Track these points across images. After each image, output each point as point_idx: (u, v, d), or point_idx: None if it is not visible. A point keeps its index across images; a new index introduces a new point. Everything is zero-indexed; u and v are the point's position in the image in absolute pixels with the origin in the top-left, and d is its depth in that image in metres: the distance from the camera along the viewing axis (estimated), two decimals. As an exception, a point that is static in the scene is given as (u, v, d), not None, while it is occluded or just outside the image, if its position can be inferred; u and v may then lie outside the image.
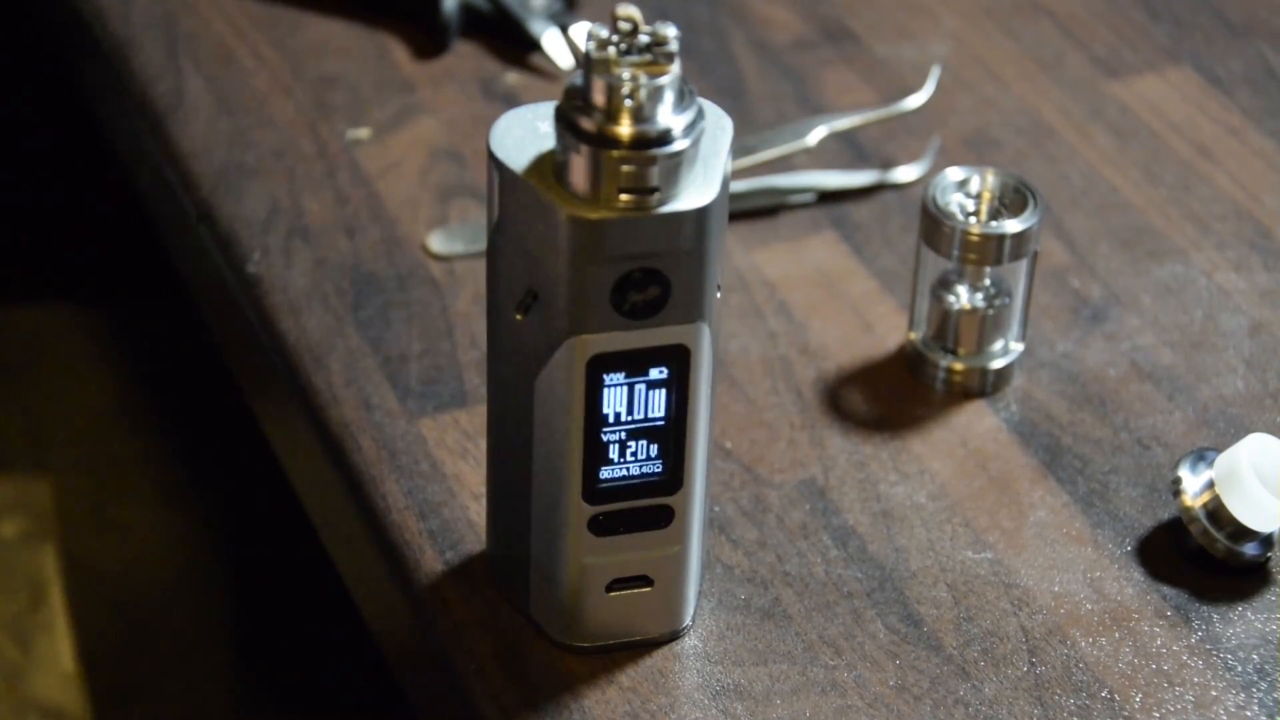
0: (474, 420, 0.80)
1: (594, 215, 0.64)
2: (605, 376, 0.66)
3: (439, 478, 0.78)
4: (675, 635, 0.73)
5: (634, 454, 0.68)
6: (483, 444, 0.79)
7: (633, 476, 0.69)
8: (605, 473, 0.68)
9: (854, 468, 0.79)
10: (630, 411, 0.67)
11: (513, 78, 0.98)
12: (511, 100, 0.96)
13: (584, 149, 0.63)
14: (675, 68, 0.63)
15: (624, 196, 0.64)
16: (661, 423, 0.68)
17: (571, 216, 0.64)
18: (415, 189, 0.91)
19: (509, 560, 0.73)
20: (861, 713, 0.71)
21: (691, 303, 0.66)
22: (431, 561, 0.75)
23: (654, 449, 0.68)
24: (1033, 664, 0.72)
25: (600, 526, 0.69)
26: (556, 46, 0.98)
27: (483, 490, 0.77)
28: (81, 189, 1.30)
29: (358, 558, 0.81)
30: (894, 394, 0.83)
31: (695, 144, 0.64)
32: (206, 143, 0.93)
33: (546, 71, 0.98)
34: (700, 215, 0.64)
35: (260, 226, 0.89)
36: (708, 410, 0.69)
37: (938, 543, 0.76)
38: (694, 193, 0.64)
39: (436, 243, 0.88)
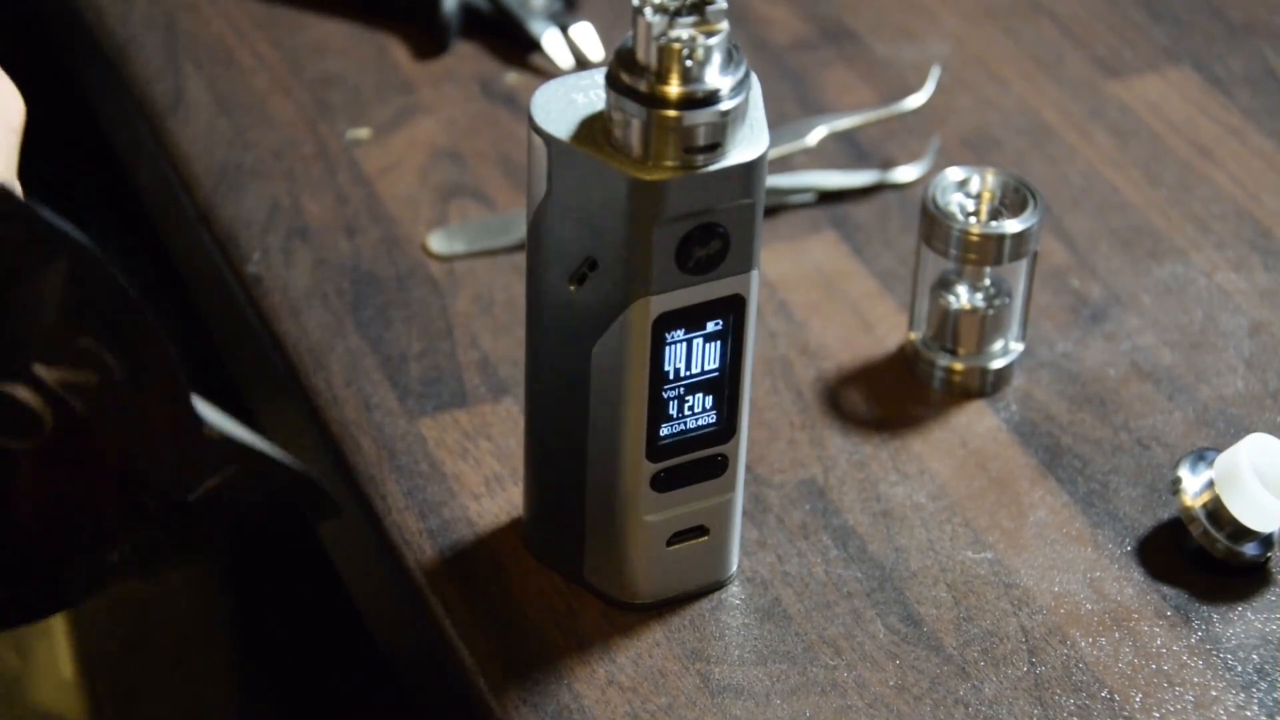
0: (474, 420, 0.80)
1: (658, 176, 0.65)
2: (667, 335, 0.68)
3: (439, 478, 0.78)
4: (724, 583, 0.74)
5: (691, 407, 0.70)
6: (483, 444, 0.79)
7: (690, 430, 0.70)
8: (665, 429, 0.70)
9: (854, 468, 0.79)
10: (689, 366, 0.69)
11: (513, 78, 0.98)
12: (511, 100, 0.97)
13: (645, 112, 0.64)
14: (725, 25, 0.64)
15: (687, 155, 0.65)
16: (716, 373, 0.70)
17: (636, 180, 0.65)
18: (415, 189, 0.91)
19: (556, 530, 0.74)
20: (861, 713, 0.71)
21: (748, 253, 0.68)
22: (431, 561, 0.75)
23: (709, 400, 0.70)
24: (1033, 664, 0.72)
25: (661, 483, 0.71)
26: (556, 46, 0.99)
27: (483, 490, 0.77)
28: (81, 189, 1.30)
29: (358, 558, 0.82)
30: (894, 394, 0.83)
31: (747, 98, 0.65)
32: (206, 143, 0.93)
33: (546, 71, 0.98)
34: (755, 166, 0.66)
35: (260, 226, 0.89)
36: (753, 354, 0.71)
37: (938, 543, 0.76)
38: (746, 145, 0.66)
39: (436, 243, 0.88)
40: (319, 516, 0.62)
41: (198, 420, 0.58)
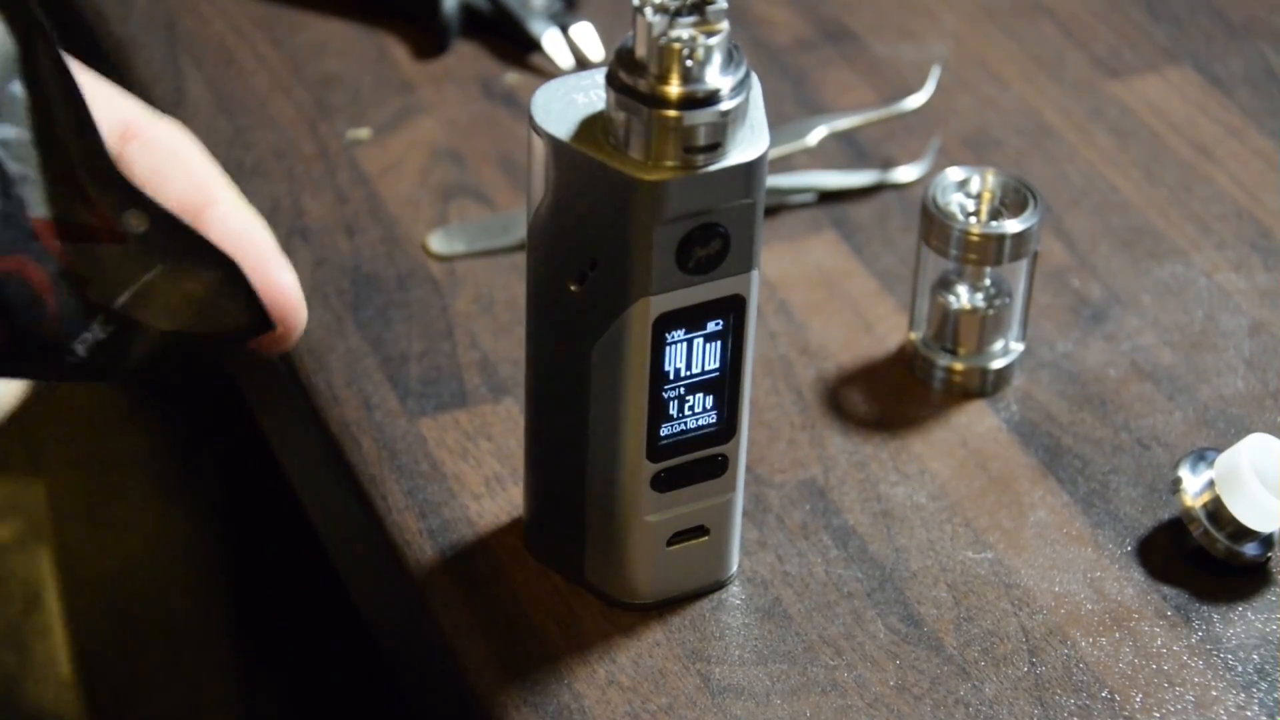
0: (474, 420, 0.80)
1: (659, 176, 0.65)
2: (667, 335, 0.68)
3: (439, 478, 0.78)
4: (724, 583, 0.74)
5: (691, 408, 0.70)
6: (483, 444, 0.79)
7: (690, 430, 0.70)
8: (665, 429, 0.70)
9: (854, 468, 0.79)
10: (689, 366, 0.69)
11: (513, 78, 0.98)
12: (511, 100, 0.96)
13: (645, 112, 0.64)
14: (725, 25, 0.64)
15: (687, 155, 0.65)
16: (717, 373, 0.70)
17: (636, 180, 0.65)
18: (415, 189, 0.91)
19: (557, 530, 0.74)
20: (861, 713, 0.71)
21: (748, 253, 0.67)
22: (431, 561, 0.75)
23: (709, 400, 0.70)
24: (1033, 664, 0.72)
25: (662, 483, 0.71)
26: (556, 46, 0.99)
27: (483, 490, 0.77)
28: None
29: (358, 558, 0.82)
30: (894, 394, 0.83)
31: (747, 98, 0.65)
32: (206, 143, 0.92)
33: (546, 71, 0.98)
34: (756, 166, 0.66)
35: (260, 226, 0.89)
36: (753, 354, 0.71)
37: (938, 543, 0.76)
38: (746, 145, 0.66)
39: (436, 243, 0.88)
40: (254, 330, 0.59)
41: (123, 209, 0.55)
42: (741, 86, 0.65)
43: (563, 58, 0.98)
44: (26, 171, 0.54)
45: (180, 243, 0.56)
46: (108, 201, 0.55)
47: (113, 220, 0.56)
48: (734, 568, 0.75)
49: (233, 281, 0.58)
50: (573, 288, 0.68)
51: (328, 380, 0.82)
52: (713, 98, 0.65)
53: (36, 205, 0.55)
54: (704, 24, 0.64)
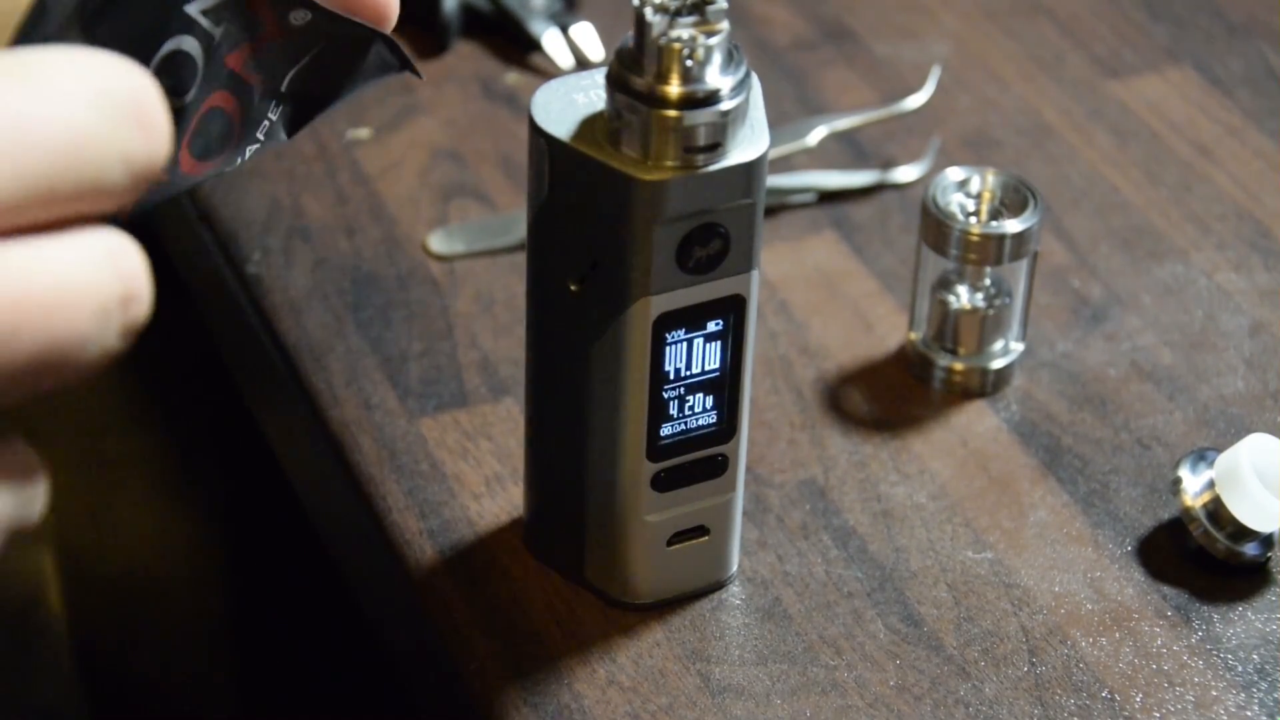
0: (474, 420, 0.80)
1: (658, 176, 0.65)
2: (667, 335, 0.68)
3: (439, 478, 0.78)
4: (724, 583, 0.74)
5: (691, 408, 0.70)
6: (483, 444, 0.79)
7: (691, 430, 0.70)
8: (665, 429, 0.70)
9: (854, 468, 0.79)
10: (689, 366, 0.69)
11: (513, 78, 0.98)
12: (511, 100, 0.97)
13: (646, 112, 0.64)
14: (725, 25, 0.64)
15: (687, 155, 0.65)
16: (717, 373, 0.70)
17: (636, 180, 0.65)
18: (415, 189, 0.91)
19: (557, 530, 0.74)
20: (861, 713, 0.71)
21: (748, 253, 0.67)
22: (432, 561, 0.75)
23: (709, 400, 0.70)
24: (1033, 664, 0.72)
25: (662, 483, 0.71)
26: (556, 46, 0.99)
27: (483, 490, 0.77)
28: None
29: (358, 558, 0.82)
30: (894, 394, 0.83)
31: (747, 98, 0.65)
32: (206, 143, 0.93)
33: (546, 71, 0.98)
34: (756, 166, 0.66)
35: (260, 226, 0.89)
36: (753, 354, 0.71)
37: (938, 543, 0.76)
38: (746, 145, 0.66)
39: (436, 243, 0.89)
40: (398, 70, 0.63)
41: (288, 10, 0.58)
42: (741, 86, 0.65)
43: (563, 58, 0.98)
44: (224, 27, 0.57)
45: (336, 26, 0.60)
46: (278, 11, 0.59)
47: (279, 22, 0.59)
48: (734, 568, 0.75)
49: (383, 44, 0.61)
50: (573, 288, 0.68)
51: (328, 380, 0.82)
52: (713, 98, 0.65)
53: (230, 46, 0.58)
54: (704, 24, 0.64)
